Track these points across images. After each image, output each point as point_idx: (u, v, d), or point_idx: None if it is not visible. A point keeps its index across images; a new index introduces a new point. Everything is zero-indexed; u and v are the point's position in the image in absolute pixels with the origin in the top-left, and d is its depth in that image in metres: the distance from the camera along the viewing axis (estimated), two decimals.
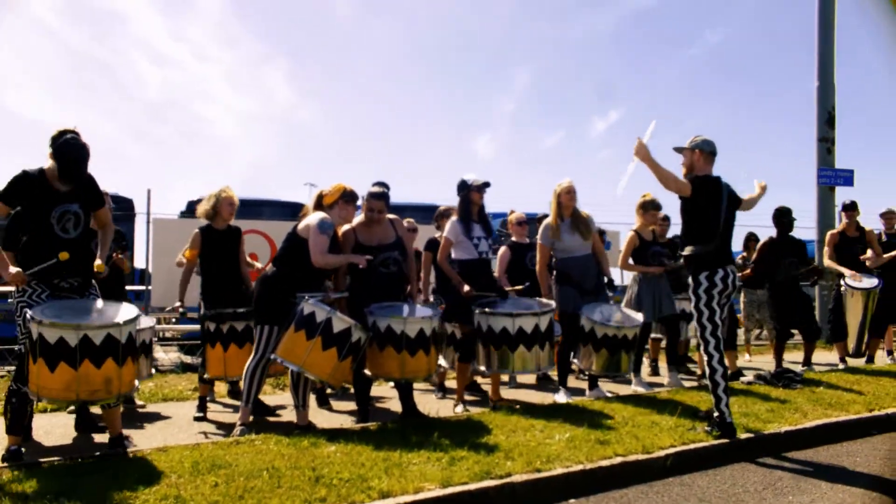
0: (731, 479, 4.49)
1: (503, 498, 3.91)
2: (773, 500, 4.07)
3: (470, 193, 6.34)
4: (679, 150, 5.49)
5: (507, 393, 7.30)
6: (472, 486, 3.86)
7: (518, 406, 6.18)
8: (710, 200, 5.28)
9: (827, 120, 13.52)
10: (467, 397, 6.73)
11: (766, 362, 9.29)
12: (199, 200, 15.69)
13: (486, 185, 6.38)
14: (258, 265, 7.08)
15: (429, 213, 16.89)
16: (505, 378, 8.00)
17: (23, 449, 4.51)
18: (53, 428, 5.62)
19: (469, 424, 5.29)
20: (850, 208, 9.09)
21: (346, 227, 5.84)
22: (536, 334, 5.98)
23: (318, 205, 5.62)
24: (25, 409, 4.57)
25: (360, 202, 5.85)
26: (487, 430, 5.08)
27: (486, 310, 6.08)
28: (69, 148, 4.43)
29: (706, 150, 5.39)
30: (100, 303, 4.62)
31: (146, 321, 6.79)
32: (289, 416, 6.12)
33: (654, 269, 7.55)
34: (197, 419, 6.05)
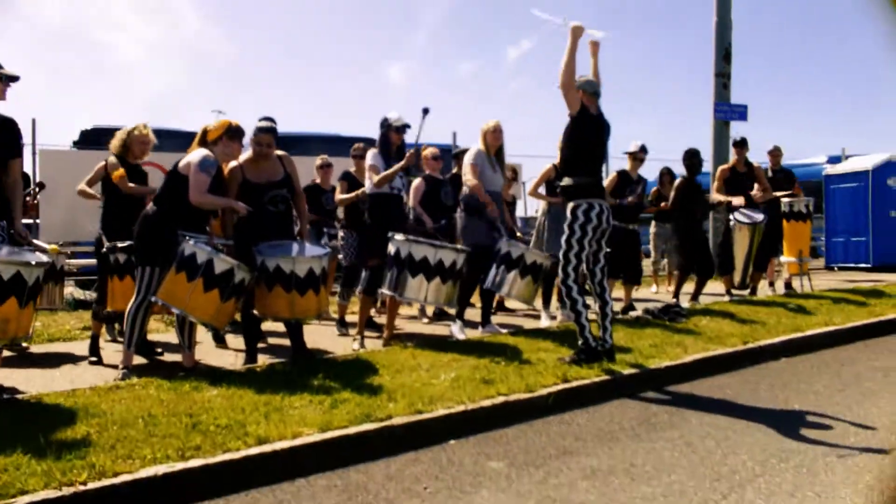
0: (609, 415, 4.64)
1: (383, 440, 3.92)
2: (646, 435, 4.22)
3: (389, 133, 6.36)
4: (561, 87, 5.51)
5: (409, 327, 7.34)
6: (352, 430, 3.85)
7: (410, 344, 6.22)
8: (595, 133, 5.40)
9: (724, 55, 13.77)
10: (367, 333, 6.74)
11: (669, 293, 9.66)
12: (93, 130, 15.10)
13: (407, 126, 6.42)
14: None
15: (336, 145, 16.73)
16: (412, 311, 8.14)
17: None
18: None
19: (356, 364, 5.29)
20: (740, 145, 9.35)
21: (232, 163, 5.65)
22: (453, 269, 6.03)
23: (203, 141, 5.37)
24: None
25: (247, 139, 5.65)
26: (374, 370, 5.09)
27: (411, 237, 6.06)
28: None
29: (589, 91, 5.46)
30: (7, 248, 4.40)
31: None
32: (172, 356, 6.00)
33: (557, 200, 7.66)
34: (92, 363, 5.84)
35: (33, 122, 10.94)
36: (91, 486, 3.04)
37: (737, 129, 13.24)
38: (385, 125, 6.40)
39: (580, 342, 5.37)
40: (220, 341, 6.56)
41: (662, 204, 9.68)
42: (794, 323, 7.28)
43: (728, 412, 4.70)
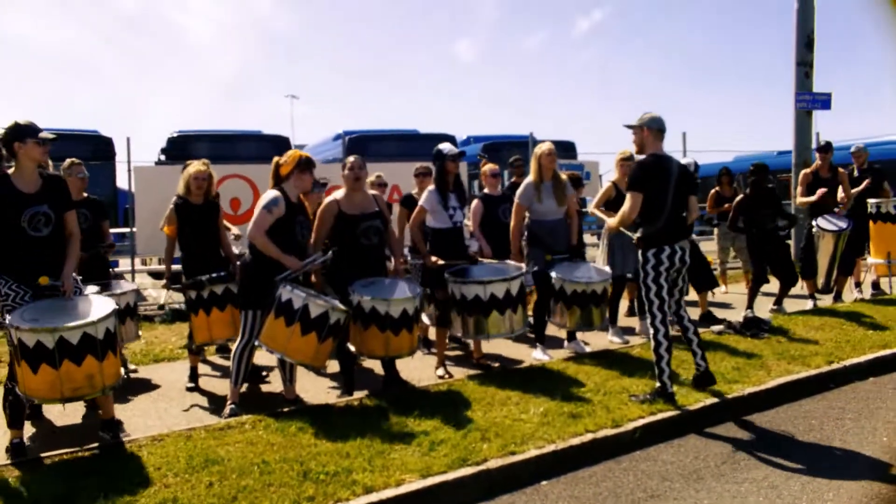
0: (694, 450, 4.79)
1: (479, 485, 4.18)
2: (731, 475, 4.37)
3: (445, 163, 6.48)
4: (629, 126, 5.61)
5: (486, 346, 7.55)
6: (451, 476, 4.12)
7: (496, 366, 6.47)
8: (657, 182, 5.41)
9: (806, 43, 13.47)
10: (448, 353, 7.00)
11: (741, 292, 9.63)
12: (178, 136, 15.67)
13: (462, 154, 6.55)
14: (235, 231, 7.15)
15: (414, 143, 16.93)
16: None
17: (26, 442, 4.74)
18: None
19: (448, 398, 5.53)
20: (825, 149, 9.24)
21: (328, 198, 5.96)
22: (508, 298, 6.15)
23: (277, 175, 5.60)
24: (22, 403, 4.72)
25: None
26: (466, 403, 5.34)
27: (458, 278, 6.22)
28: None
29: (654, 128, 5.49)
30: (77, 300, 4.70)
31: (127, 285, 6.97)
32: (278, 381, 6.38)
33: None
34: (189, 389, 6.28)
35: (128, 140, 11.53)
36: None
37: (820, 119, 12.99)
38: (440, 157, 6.52)
39: (657, 385, 5.47)
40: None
41: (726, 205, 9.71)
42: (881, 337, 7.22)
43: (813, 448, 4.80)
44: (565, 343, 7.21)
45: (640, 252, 5.49)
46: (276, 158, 5.68)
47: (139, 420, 5.43)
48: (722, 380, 5.82)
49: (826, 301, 9.37)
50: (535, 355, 6.96)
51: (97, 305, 4.65)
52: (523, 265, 6.55)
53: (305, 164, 5.52)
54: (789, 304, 8.92)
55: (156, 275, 15.14)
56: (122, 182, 13.49)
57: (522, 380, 5.96)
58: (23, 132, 4.56)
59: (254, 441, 4.61)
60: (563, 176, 7.16)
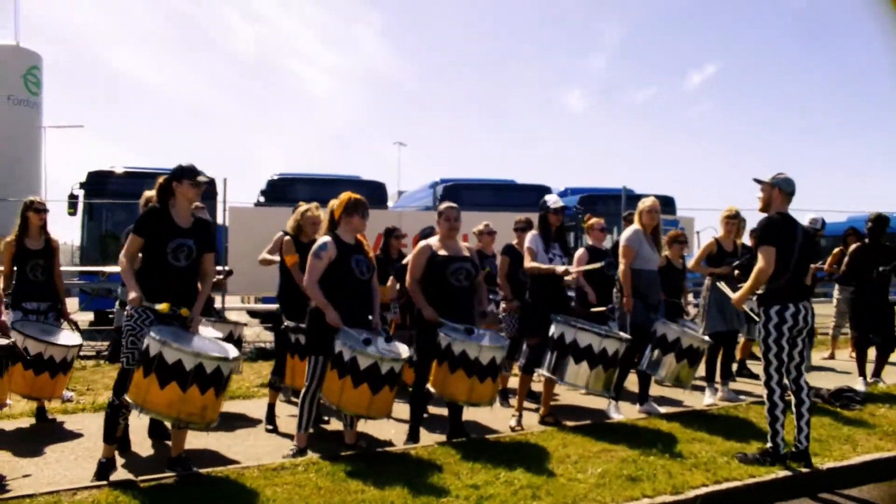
0: None
1: None
2: None
3: (548, 215, 6.63)
4: (759, 182, 5.50)
5: (567, 396, 7.40)
6: None
7: (566, 423, 6.31)
8: (783, 239, 5.30)
9: None
10: (526, 404, 6.89)
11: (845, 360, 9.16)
12: (278, 179, 16.22)
13: (564, 208, 6.71)
14: None
15: (510, 193, 16.96)
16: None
17: (116, 462, 5.03)
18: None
19: (506, 450, 5.44)
20: None
21: (422, 243, 6.10)
22: (615, 357, 6.14)
23: (332, 217, 5.68)
24: (118, 420, 4.97)
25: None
26: (523, 458, 5.23)
27: (579, 324, 6.18)
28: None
29: (785, 190, 5.41)
30: (199, 335, 5.04)
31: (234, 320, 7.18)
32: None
33: (720, 270, 7.55)
34: (268, 431, 6.41)
35: (224, 181, 12.06)
36: None
37: None
38: (544, 207, 6.65)
39: (769, 444, 5.28)
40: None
41: (835, 267, 9.26)
42: None
43: None
44: (637, 406, 6.97)
45: (761, 310, 5.37)
46: (330, 203, 5.77)
47: (202, 454, 5.54)
48: None
49: None
50: (609, 410, 6.78)
51: (224, 345, 5.03)
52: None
53: (352, 207, 5.56)
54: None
55: (252, 313, 15.61)
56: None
57: (587, 435, 5.81)
58: (182, 174, 5.00)
59: (302, 483, 4.64)
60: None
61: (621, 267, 6.85)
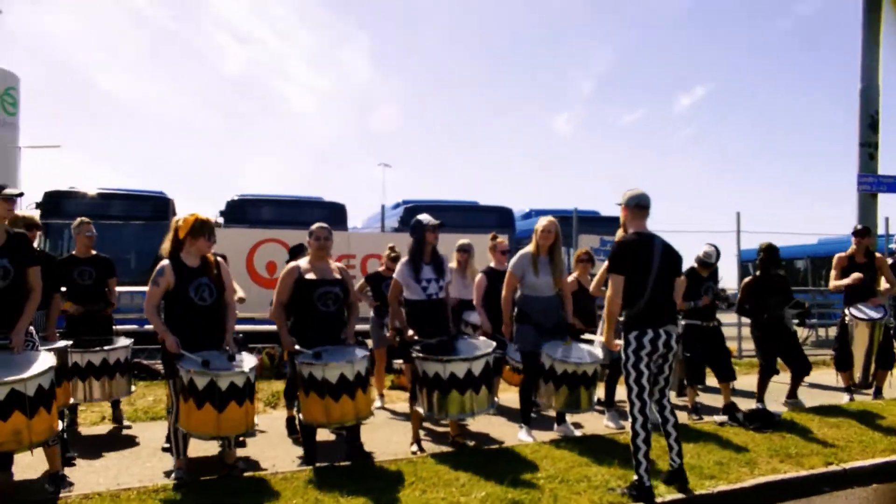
0: None
1: None
2: None
3: (425, 234, 6.45)
4: (619, 205, 5.47)
5: (476, 425, 7.33)
6: None
7: (472, 444, 6.27)
8: (638, 262, 5.19)
9: (870, 124, 12.93)
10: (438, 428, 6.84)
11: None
12: (237, 200, 16.13)
13: (441, 225, 6.51)
14: (240, 294, 7.23)
15: (473, 215, 16.97)
16: None
17: None
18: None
19: (396, 476, 5.36)
20: (862, 234, 8.75)
21: (293, 263, 6.05)
22: (469, 379, 5.88)
23: (176, 239, 5.53)
24: None
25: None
26: (412, 482, 5.16)
27: (419, 354, 6.03)
28: None
29: (631, 206, 5.35)
30: (25, 355, 4.87)
31: (123, 341, 7.10)
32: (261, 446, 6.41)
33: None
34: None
35: (171, 202, 12.07)
36: None
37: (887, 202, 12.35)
38: (419, 227, 6.50)
39: (635, 478, 5.13)
40: (293, 432, 6.86)
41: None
42: None
43: None
44: (555, 426, 6.94)
45: (622, 335, 5.27)
46: (173, 221, 5.66)
47: (93, 477, 5.47)
48: (699, 475, 5.49)
49: (866, 397, 8.75)
50: (519, 436, 6.72)
51: (37, 362, 4.78)
52: (493, 343, 6.34)
53: (196, 230, 5.44)
54: (823, 398, 8.39)
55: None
56: None
57: (484, 461, 5.74)
58: None
59: None
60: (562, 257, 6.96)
61: (503, 293, 6.82)
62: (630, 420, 5.15)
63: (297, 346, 5.71)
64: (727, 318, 10.02)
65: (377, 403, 8.24)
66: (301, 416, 5.72)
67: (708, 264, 7.93)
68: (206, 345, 5.31)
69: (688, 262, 7.71)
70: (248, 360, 5.39)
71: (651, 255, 5.22)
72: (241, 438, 6.53)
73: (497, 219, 17.12)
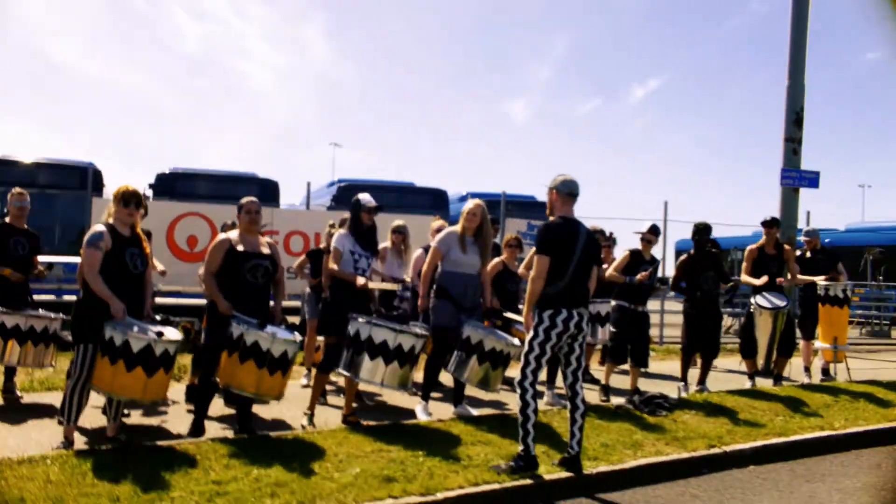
0: None
1: None
2: None
3: (360, 213, 6.51)
4: (549, 188, 5.51)
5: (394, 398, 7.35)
6: None
7: (362, 424, 6.26)
8: (563, 244, 5.29)
9: (795, 120, 13.18)
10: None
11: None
12: (168, 174, 15.87)
13: (378, 209, 6.59)
14: (161, 268, 7.47)
15: (409, 196, 16.95)
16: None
17: None
18: None
19: (279, 449, 5.33)
20: (770, 224, 8.95)
21: (222, 235, 6.02)
22: (411, 354, 6.05)
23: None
24: None
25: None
26: (288, 457, 5.11)
27: (374, 321, 6.09)
28: None
29: (563, 192, 5.41)
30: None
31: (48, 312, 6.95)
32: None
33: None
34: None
35: (98, 173, 11.76)
36: None
37: (807, 197, 12.62)
38: (356, 206, 6.54)
39: (521, 448, 5.17)
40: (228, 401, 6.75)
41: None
42: (784, 425, 6.83)
43: None
44: (453, 408, 6.96)
45: (535, 311, 5.31)
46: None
47: None
48: (584, 456, 5.53)
49: (767, 382, 8.97)
50: (417, 410, 6.76)
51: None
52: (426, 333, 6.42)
53: (123, 198, 5.45)
54: (727, 382, 8.57)
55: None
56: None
57: (371, 438, 5.73)
58: None
59: (34, 476, 4.46)
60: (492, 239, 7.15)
61: (424, 268, 6.84)
62: (519, 391, 5.21)
63: (235, 312, 5.66)
64: (652, 306, 10.20)
65: (303, 381, 8.31)
66: (219, 379, 5.70)
67: (650, 241, 8.03)
68: (134, 311, 5.36)
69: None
70: (170, 332, 5.40)
71: (576, 240, 5.33)
72: (126, 411, 6.47)
73: (431, 200, 17.17)
